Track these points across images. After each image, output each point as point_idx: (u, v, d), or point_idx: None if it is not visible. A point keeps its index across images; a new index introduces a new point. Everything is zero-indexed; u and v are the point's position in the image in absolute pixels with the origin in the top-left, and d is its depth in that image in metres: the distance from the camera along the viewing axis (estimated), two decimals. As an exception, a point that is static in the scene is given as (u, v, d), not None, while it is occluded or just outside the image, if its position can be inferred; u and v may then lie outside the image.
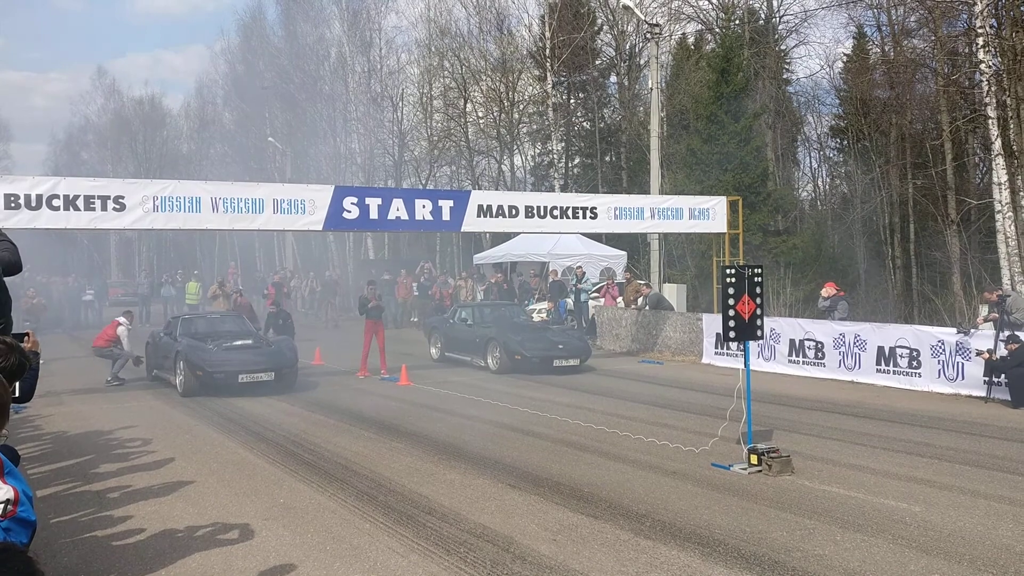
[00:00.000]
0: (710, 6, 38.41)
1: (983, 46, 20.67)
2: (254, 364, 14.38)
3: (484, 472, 8.79)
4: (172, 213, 14.49)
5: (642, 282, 24.12)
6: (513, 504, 7.59)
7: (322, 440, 10.58)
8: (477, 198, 17.21)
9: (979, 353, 13.18)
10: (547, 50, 34.59)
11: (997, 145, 20.71)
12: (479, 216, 16.77)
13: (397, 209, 16.00)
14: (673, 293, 23.79)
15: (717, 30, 38.28)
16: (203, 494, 8.05)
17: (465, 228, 17.23)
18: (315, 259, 47.55)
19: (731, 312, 9.01)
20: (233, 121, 55.39)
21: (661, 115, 31.54)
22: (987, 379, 13.00)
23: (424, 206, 16.29)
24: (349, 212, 15.66)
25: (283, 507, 7.58)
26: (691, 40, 40.23)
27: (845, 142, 37.48)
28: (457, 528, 6.90)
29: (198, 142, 61.11)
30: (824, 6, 36.03)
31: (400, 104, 45.00)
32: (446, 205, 16.56)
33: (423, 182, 43.11)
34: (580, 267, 25.07)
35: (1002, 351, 12.76)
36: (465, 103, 41.79)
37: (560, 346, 17.28)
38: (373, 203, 15.87)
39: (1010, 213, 20.68)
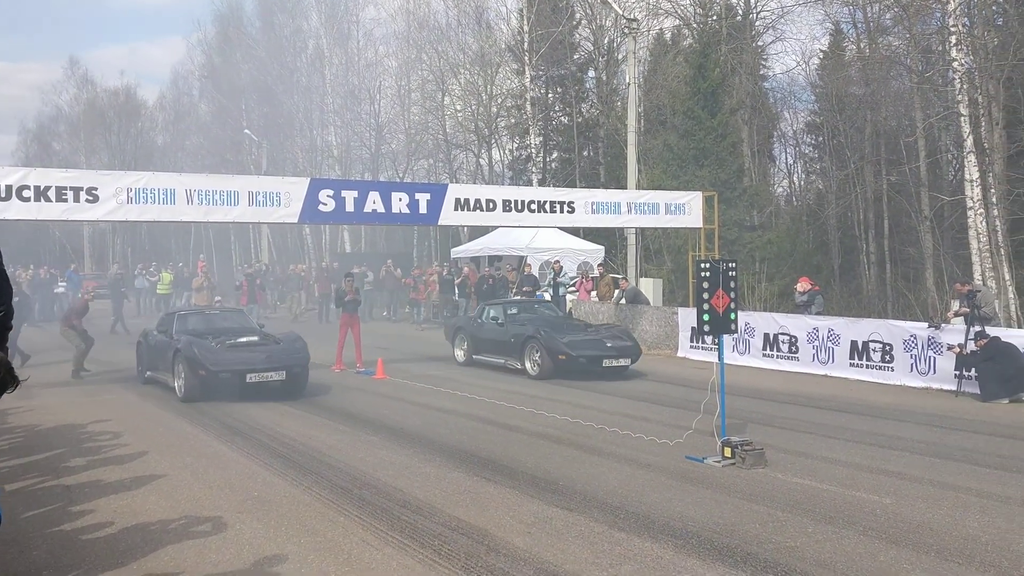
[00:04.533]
0: (688, 1, 38.51)
1: (956, 44, 20.83)
2: (263, 363, 13.05)
3: (459, 465, 8.79)
4: (146, 205, 14.37)
5: (619, 276, 24.20)
6: (488, 497, 7.60)
7: (296, 433, 10.54)
8: (454, 191, 17.22)
9: (950, 348, 13.34)
10: (525, 44, 34.56)
11: (969, 142, 20.89)
12: (456, 209, 16.76)
13: (373, 202, 15.96)
14: (650, 287, 23.88)
15: (695, 25, 38.38)
16: (176, 487, 8.01)
17: (442, 221, 17.20)
18: (291, 252, 47.37)
19: (705, 306, 9.07)
20: (209, 113, 54.97)
21: (639, 110, 31.59)
22: (958, 373, 13.17)
23: (401, 199, 16.26)
24: (325, 205, 15.61)
25: (257, 500, 7.55)
26: (669, 35, 40.33)
27: (820, 138, 37.68)
28: (432, 521, 6.90)
29: (173, 134, 60.57)
30: (801, 2, 36.18)
31: (378, 97, 44.85)
32: (423, 198, 16.55)
33: (400, 175, 43.00)
34: (558, 261, 25.09)
35: (972, 346, 12.91)
36: (443, 96, 41.70)
37: (608, 345, 15.64)
38: (349, 196, 15.82)
39: (981, 210, 20.89)
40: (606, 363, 15.36)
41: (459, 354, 17.70)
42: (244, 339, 13.72)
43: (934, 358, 13.84)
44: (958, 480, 8.10)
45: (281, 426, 11.03)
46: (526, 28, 34.31)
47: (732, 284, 9.19)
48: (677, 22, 39.32)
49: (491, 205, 17.10)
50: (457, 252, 31.80)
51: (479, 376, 15.86)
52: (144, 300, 31.70)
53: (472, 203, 16.86)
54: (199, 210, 14.93)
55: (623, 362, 15.55)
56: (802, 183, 41.82)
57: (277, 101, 46.39)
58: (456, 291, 26.51)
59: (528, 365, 15.67)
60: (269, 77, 46.58)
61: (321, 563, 5.99)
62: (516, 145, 41.75)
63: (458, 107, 41.23)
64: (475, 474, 8.42)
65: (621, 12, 27.77)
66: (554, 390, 14.08)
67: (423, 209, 16.47)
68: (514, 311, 17.27)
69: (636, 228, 23.70)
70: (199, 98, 58.05)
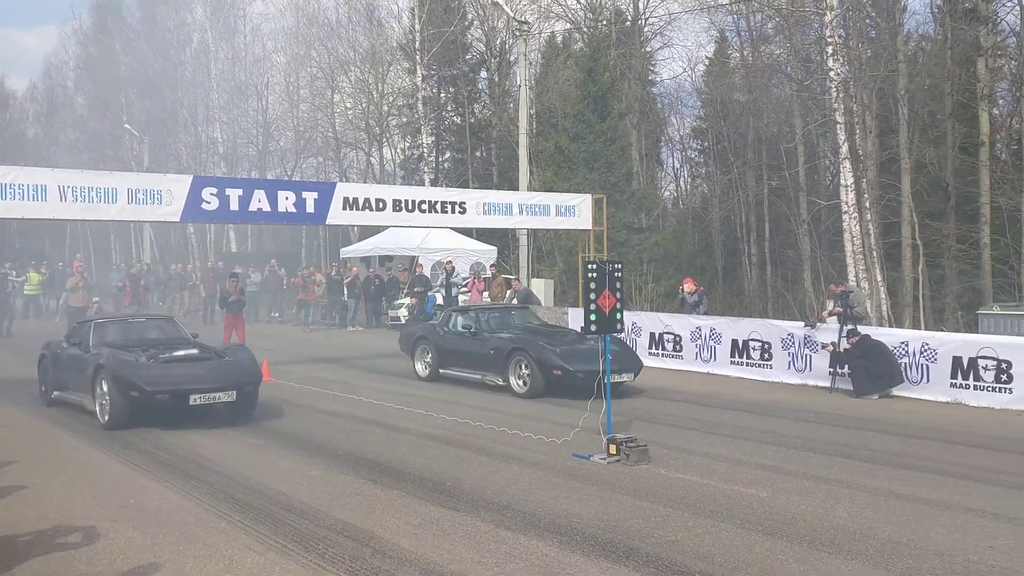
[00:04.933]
0: (578, 6, 39.06)
1: (832, 54, 21.74)
2: (209, 380, 10.91)
3: (346, 468, 8.68)
4: (13, 201, 13.59)
5: (512, 277, 24.35)
6: (375, 499, 7.53)
7: (176, 437, 10.21)
8: (343, 190, 16.96)
9: (824, 346, 13.90)
10: (417, 43, 34.41)
11: (844, 149, 21.82)
12: (345, 209, 16.51)
13: (259, 200, 15.56)
14: (541, 288, 24.11)
15: (585, 30, 38.95)
16: (45, 497, 7.64)
17: (330, 221, 16.92)
18: (175, 251, 45.94)
19: (592, 306, 9.22)
20: (86, 106, 52.73)
21: (531, 112, 31.89)
22: (832, 370, 13.73)
23: (287, 198, 15.89)
24: (208, 203, 15.14)
25: (133, 507, 7.28)
26: (560, 39, 40.84)
27: (706, 143, 38.79)
28: (317, 524, 6.80)
29: (46, 127, 57.81)
30: (687, 10, 37.22)
31: (265, 93, 43.97)
32: (310, 197, 16.23)
33: (289, 173, 42.23)
34: (450, 262, 25.09)
35: (846, 344, 13.49)
36: (333, 94, 41.17)
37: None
38: (233, 194, 15.38)
39: (855, 214, 21.83)
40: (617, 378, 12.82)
41: (420, 368, 15.50)
42: (181, 352, 11.58)
43: (810, 356, 14.40)
44: (830, 473, 8.45)
45: (159, 430, 10.63)
46: (417, 27, 34.17)
47: (618, 284, 9.38)
48: (568, 26, 39.86)
49: (381, 205, 16.92)
50: (347, 252, 31.42)
51: (375, 380, 15.69)
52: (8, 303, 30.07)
53: (361, 202, 16.64)
54: (74, 207, 14.25)
55: (625, 377, 13.27)
56: (688, 187, 43.01)
57: (160, 95, 44.90)
58: (345, 291, 26.20)
59: (514, 382, 13.55)
60: (151, 70, 45.05)
61: (200, 570, 5.83)
62: (408, 144, 41.61)
63: (348, 105, 40.82)
64: (362, 476, 8.33)
65: (512, 15, 27.95)
66: (446, 392, 14.03)
67: (310, 208, 16.16)
68: (489, 317, 15.08)
69: (528, 229, 23.89)
70: (75, 90, 55.71)
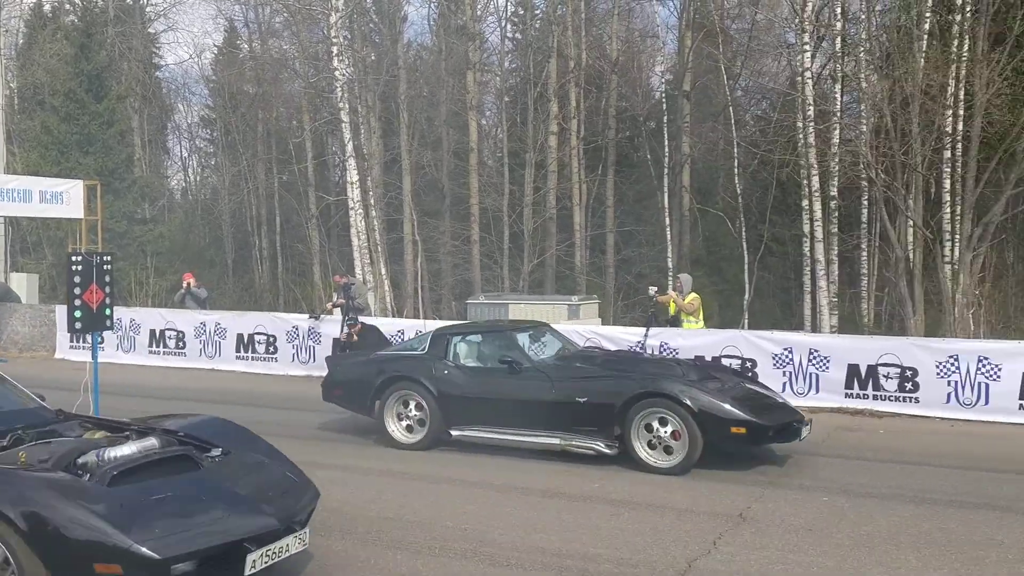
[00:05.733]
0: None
1: (338, 55, 22.41)
2: (265, 512, 5.19)
3: None
4: None
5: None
6: None
7: None
8: None
9: (337, 338, 14.33)
10: None
11: (350, 148, 22.64)
12: None
13: None
14: (24, 283, 21.64)
15: (78, 2, 35.72)
16: None
17: None
18: None
19: (77, 302, 8.50)
20: None
21: (11, 86, 28.46)
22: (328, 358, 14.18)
23: None
24: None
25: None
26: (48, 8, 36.90)
27: (215, 133, 37.77)
28: None
29: None
30: (193, -5, 35.88)
31: None
32: None
33: None
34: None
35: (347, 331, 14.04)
36: None
37: (780, 401, 9.21)
38: None
39: (361, 210, 22.79)
40: (805, 432, 8.65)
41: (401, 430, 9.55)
42: (133, 448, 5.43)
43: (314, 347, 14.78)
44: (324, 459, 8.70)
45: None
46: None
47: (108, 278, 8.75)
48: (57, -5, 36.19)
49: None
50: None
51: None
52: None
53: None
54: None
55: (806, 430, 8.75)
56: (198, 177, 41.53)
57: None
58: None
59: (641, 448, 8.33)
60: None
61: None
62: None
63: None
64: None
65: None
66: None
67: None
68: (530, 344, 9.65)
69: (4, 217, 21.25)
70: None
